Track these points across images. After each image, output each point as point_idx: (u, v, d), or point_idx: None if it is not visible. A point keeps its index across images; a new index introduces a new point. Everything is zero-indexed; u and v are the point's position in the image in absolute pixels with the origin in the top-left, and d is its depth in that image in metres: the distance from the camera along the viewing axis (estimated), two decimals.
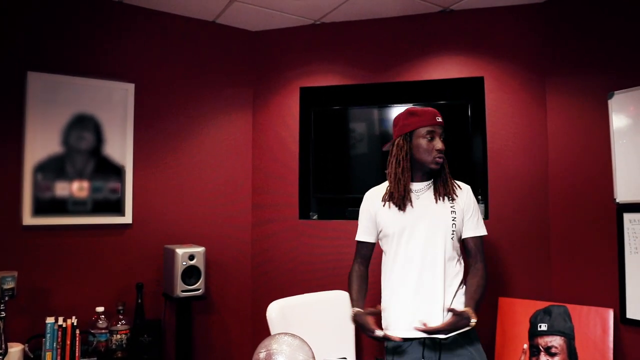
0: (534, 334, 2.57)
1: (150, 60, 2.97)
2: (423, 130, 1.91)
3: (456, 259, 1.93)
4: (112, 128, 2.82)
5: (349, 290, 2.05)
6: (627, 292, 2.37)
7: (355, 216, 3.01)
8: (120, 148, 2.84)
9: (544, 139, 2.80)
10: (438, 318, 1.83)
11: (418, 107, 1.99)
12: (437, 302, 1.85)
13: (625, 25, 2.45)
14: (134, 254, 2.84)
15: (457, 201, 1.94)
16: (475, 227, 1.95)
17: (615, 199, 2.43)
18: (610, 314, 2.39)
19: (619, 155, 2.43)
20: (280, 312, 2.38)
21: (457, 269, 1.93)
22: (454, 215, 1.91)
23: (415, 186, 1.97)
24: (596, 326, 2.42)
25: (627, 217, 2.39)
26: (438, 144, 1.90)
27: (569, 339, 2.47)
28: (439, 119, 1.93)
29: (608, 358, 2.33)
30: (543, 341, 2.53)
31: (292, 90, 3.21)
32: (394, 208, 1.95)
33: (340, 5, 2.90)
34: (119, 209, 2.82)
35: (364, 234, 2.09)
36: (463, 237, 1.95)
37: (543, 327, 2.55)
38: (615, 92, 2.45)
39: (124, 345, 2.56)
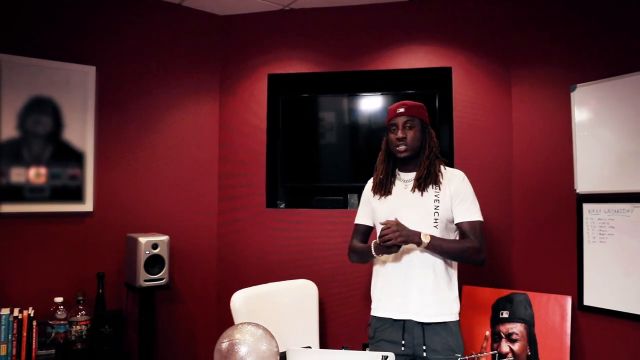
0: (496, 321, 2.63)
1: (113, 42, 2.87)
2: (390, 125, 2.03)
3: None
4: (72, 112, 2.71)
5: (356, 251, 2.10)
6: (584, 280, 2.45)
7: (322, 205, 3.03)
8: (80, 133, 2.74)
9: (509, 129, 2.84)
10: (418, 302, 1.89)
11: (393, 104, 2.06)
12: (417, 286, 1.91)
13: (588, 19, 2.50)
14: (95, 243, 2.76)
15: (444, 189, 1.96)
16: (465, 212, 1.95)
17: (575, 190, 2.50)
18: (569, 301, 2.46)
19: (580, 147, 2.49)
20: (244, 301, 2.35)
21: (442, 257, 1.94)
22: (437, 203, 1.93)
23: (404, 176, 2.04)
24: (555, 313, 2.49)
25: (586, 207, 2.46)
26: (398, 133, 1.97)
27: (529, 325, 2.53)
28: (401, 110, 1.99)
29: (566, 344, 2.41)
30: (505, 328, 2.59)
31: (260, 76, 3.15)
32: (381, 198, 2.04)
33: None
34: (79, 196, 2.72)
35: (362, 218, 2.16)
36: (455, 222, 1.96)
37: (505, 314, 2.61)
38: (578, 85, 2.50)
39: (84, 337, 2.49)
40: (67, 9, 2.71)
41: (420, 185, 1.95)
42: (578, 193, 2.49)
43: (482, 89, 2.89)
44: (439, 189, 1.95)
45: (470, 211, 1.95)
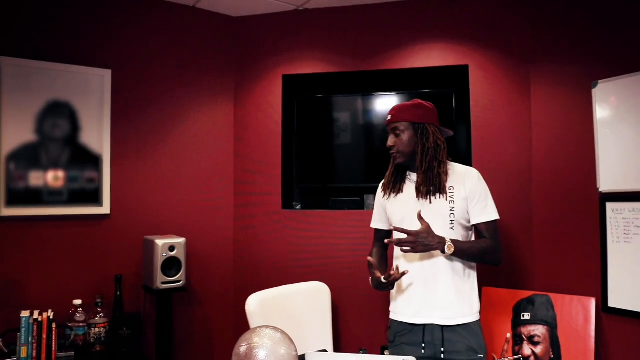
0: (517, 323, 2.57)
1: (128, 45, 2.88)
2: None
3: None
4: (89, 115, 2.73)
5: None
6: (609, 281, 2.38)
7: (338, 206, 3.01)
8: (97, 136, 2.75)
9: (528, 127, 2.78)
10: (439, 306, 1.87)
11: None
12: (439, 290, 1.88)
13: (610, 14, 2.43)
14: (112, 245, 2.77)
15: (458, 188, 1.91)
16: (482, 212, 1.91)
17: (598, 189, 2.44)
18: (593, 302, 2.40)
19: (602, 145, 2.43)
20: (259, 305, 2.33)
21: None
22: (452, 205, 1.90)
23: (414, 177, 2.00)
24: (578, 315, 2.43)
25: (609, 206, 2.40)
26: (389, 141, 1.98)
27: (552, 327, 2.48)
28: (388, 117, 1.99)
29: (590, 346, 2.35)
30: (526, 330, 2.53)
31: (275, 77, 3.14)
32: (391, 197, 2.02)
33: None
34: (96, 199, 2.74)
35: (376, 222, 2.15)
36: (472, 223, 1.93)
37: (526, 316, 2.55)
38: (600, 81, 2.44)
39: (103, 339, 2.50)
40: (82, 13, 2.73)
41: (420, 192, 1.91)
42: (601, 192, 2.43)
43: (500, 87, 2.83)
44: (453, 190, 1.91)
45: (487, 211, 1.92)
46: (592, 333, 2.36)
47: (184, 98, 3.07)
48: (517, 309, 2.59)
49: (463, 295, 1.89)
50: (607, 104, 2.42)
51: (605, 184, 2.42)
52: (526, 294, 2.61)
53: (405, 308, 1.94)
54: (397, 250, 1.98)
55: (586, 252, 2.50)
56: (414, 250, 1.76)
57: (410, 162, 1.97)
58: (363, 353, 2.83)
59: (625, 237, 2.33)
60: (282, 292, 2.58)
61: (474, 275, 1.95)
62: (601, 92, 2.44)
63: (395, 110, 1.97)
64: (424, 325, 1.89)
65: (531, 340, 2.50)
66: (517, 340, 2.54)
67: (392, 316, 2.00)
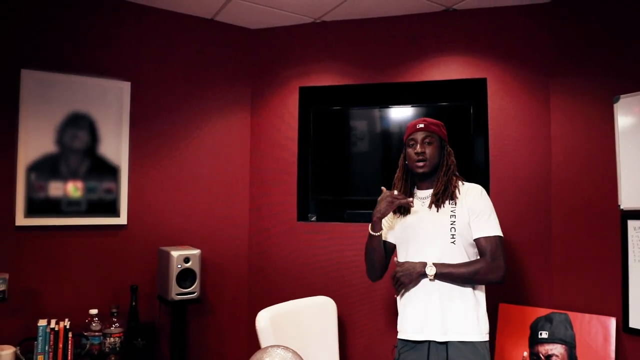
0: (534, 341, 2.52)
1: (147, 58, 2.92)
2: (408, 141, 2.03)
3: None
4: (107, 127, 2.77)
5: (366, 255, 2.09)
6: (630, 301, 2.32)
7: (354, 219, 2.99)
8: (115, 147, 2.79)
9: (547, 142, 2.74)
10: (439, 322, 1.86)
11: (412, 121, 2.07)
12: (438, 306, 1.87)
13: (632, 28, 2.39)
14: (128, 256, 2.80)
15: (460, 204, 1.92)
16: (482, 227, 1.90)
17: (619, 206, 2.38)
18: (613, 322, 2.35)
19: (624, 161, 2.38)
20: (269, 321, 2.30)
21: None
22: (453, 219, 1.90)
23: (421, 194, 2.03)
24: (598, 335, 2.37)
25: (631, 224, 2.34)
26: (417, 148, 1.96)
27: (570, 347, 2.42)
28: (420, 125, 1.99)
29: None
30: (544, 349, 2.48)
31: (292, 89, 3.15)
32: (400, 215, 2.03)
33: (341, 4, 2.84)
34: (113, 210, 2.77)
35: (385, 234, 2.11)
36: (473, 238, 1.91)
37: (544, 334, 2.50)
38: (622, 95, 2.39)
39: (118, 349, 2.52)
40: (102, 26, 2.78)
41: (438, 201, 1.92)
42: (622, 209, 2.37)
43: (519, 101, 2.80)
44: (455, 204, 1.92)
45: (487, 226, 1.89)
46: (612, 354, 2.30)
47: (201, 109, 3.09)
48: (535, 327, 2.54)
49: (465, 312, 1.86)
50: (629, 119, 2.37)
51: (626, 200, 2.36)
52: (544, 311, 2.56)
53: (409, 325, 1.93)
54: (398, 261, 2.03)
55: (606, 270, 2.44)
56: (402, 283, 1.90)
57: (428, 176, 1.99)
58: None
59: None
60: (292, 307, 2.56)
61: (481, 294, 1.93)
62: (623, 107, 2.39)
63: (426, 122, 2.00)
64: (429, 342, 1.87)
65: (549, 359, 2.45)
66: (534, 358, 2.49)
67: (398, 335, 1.99)
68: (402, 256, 2.02)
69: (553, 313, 2.52)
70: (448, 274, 1.85)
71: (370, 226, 1.98)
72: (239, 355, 3.10)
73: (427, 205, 1.96)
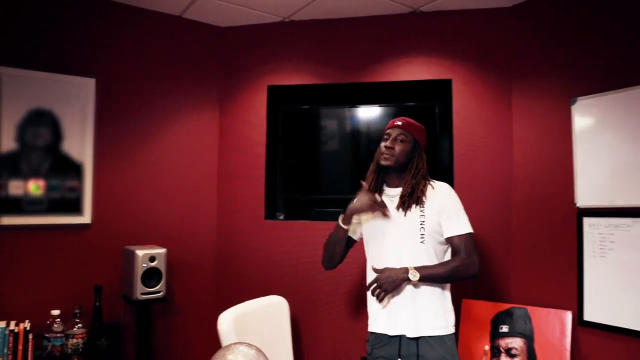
0: (495, 335, 2.60)
1: (113, 54, 2.87)
2: (384, 134, 2.05)
3: (433, 262, 1.94)
4: (71, 124, 2.72)
5: (329, 243, 2.13)
6: (585, 295, 2.42)
7: (321, 217, 3.02)
8: (79, 145, 2.74)
9: (509, 141, 2.82)
10: (411, 318, 1.90)
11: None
12: (407, 303, 1.91)
13: (589, 33, 2.48)
14: (92, 255, 2.75)
15: (430, 204, 1.96)
16: (454, 226, 1.94)
17: (576, 204, 2.48)
18: (569, 316, 2.44)
19: (580, 161, 2.47)
20: (232, 322, 2.28)
21: None
22: (422, 219, 1.93)
23: (389, 191, 2.05)
24: (555, 328, 2.46)
25: (586, 221, 2.44)
26: (388, 142, 1.99)
27: (529, 340, 2.50)
28: (398, 123, 2.02)
29: (565, 359, 2.38)
30: (504, 343, 2.56)
31: (260, 88, 3.15)
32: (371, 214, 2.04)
33: (310, 3, 2.86)
34: (77, 209, 2.72)
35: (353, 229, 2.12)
36: (445, 237, 1.96)
37: (504, 328, 2.58)
38: (578, 98, 2.49)
39: (81, 350, 2.48)
40: (67, 21, 2.72)
41: (404, 204, 1.96)
42: (578, 207, 2.47)
43: (483, 102, 2.87)
44: (424, 205, 1.95)
45: (458, 224, 1.95)
46: (568, 346, 2.40)
47: (169, 107, 3.07)
48: (496, 322, 2.62)
49: (435, 308, 1.92)
50: (586, 120, 2.46)
51: (582, 199, 2.46)
52: (504, 306, 2.64)
53: (381, 320, 1.97)
54: (368, 269, 2.06)
55: (563, 266, 2.53)
56: (385, 291, 1.89)
57: (393, 173, 2.01)
58: None
59: (601, 251, 2.37)
60: (251, 308, 2.55)
61: (447, 288, 1.98)
62: (580, 109, 2.49)
63: (406, 121, 2.03)
64: (400, 337, 1.91)
65: (509, 352, 2.53)
66: (495, 352, 2.56)
67: (369, 328, 2.03)
68: (371, 255, 2.05)
69: (513, 308, 2.60)
70: (430, 276, 1.89)
71: (341, 218, 2.00)
72: (205, 354, 3.06)
73: (395, 205, 1.99)
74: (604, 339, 2.34)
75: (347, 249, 2.14)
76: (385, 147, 1.98)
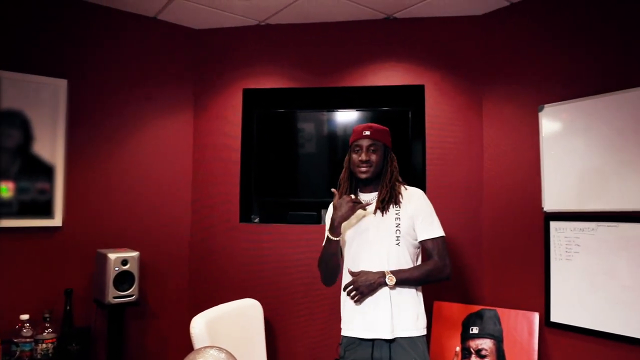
0: (466, 336, 2.65)
1: (85, 55, 2.84)
2: (353, 145, 2.07)
3: (409, 265, 1.97)
4: (43, 125, 2.68)
5: (322, 255, 2.07)
6: (551, 297, 2.49)
7: (296, 220, 3.03)
8: (50, 147, 2.70)
9: (480, 147, 2.89)
10: (384, 320, 1.92)
11: (360, 125, 2.10)
12: (384, 306, 1.93)
13: (557, 42, 2.56)
14: (63, 259, 2.71)
15: (404, 207, 2.00)
16: (427, 229, 1.99)
17: (543, 208, 2.55)
18: (536, 317, 2.51)
19: (547, 166, 2.55)
20: (204, 326, 2.28)
21: None
22: (398, 222, 1.97)
23: (364, 197, 2.08)
24: (523, 329, 2.52)
25: (553, 225, 2.51)
26: (361, 155, 2.01)
27: (498, 341, 2.56)
28: (366, 132, 2.03)
29: (533, 359, 2.44)
30: (474, 344, 2.61)
31: (235, 91, 3.16)
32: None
33: (286, 7, 2.88)
34: (48, 211, 2.68)
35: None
36: (419, 240, 2.01)
37: (474, 330, 2.64)
38: (545, 105, 2.56)
39: (51, 355, 2.44)
40: (38, 21, 2.68)
41: (383, 207, 1.99)
42: (545, 211, 2.54)
43: (455, 107, 2.93)
44: (400, 207, 2.00)
45: (432, 228, 2.00)
46: (535, 347, 2.46)
47: (143, 109, 3.04)
48: (467, 323, 2.67)
49: (407, 310, 1.94)
50: (553, 127, 2.54)
51: (549, 203, 2.53)
52: (475, 308, 2.69)
53: (353, 323, 1.99)
54: (344, 271, 2.07)
55: (531, 269, 2.60)
56: (362, 293, 1.93)
57: (371, 181, 2.04)
58: None
59: (567, 254, 2.45)
60: (224, 311, 2.55)
61: (420, 292, 2.02)
62: (547, 116, 2.56)
63: (373, 129, 2.04)
64: (373, 340, 1.93)
65: (479, 353, 2.58)
66: (466, 353, 2.62)
67: (342, 332, 2.04)
68: (348, 258, 2.06)
69: (483, 310, 2.66)
70: (405, 280, 1.93)
71: (329, 231, 1.98)
72: (179, 358, 3.05)
73: (372, 210, 2.02)
74: (569, 339, 2.41)
75: (341, 259, 2.14)
76: (361, 160, 2.01)
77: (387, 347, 1.92)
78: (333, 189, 2.04)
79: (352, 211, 1.95)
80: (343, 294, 2.05)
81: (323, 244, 2.05)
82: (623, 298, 2.22)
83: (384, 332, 1.92)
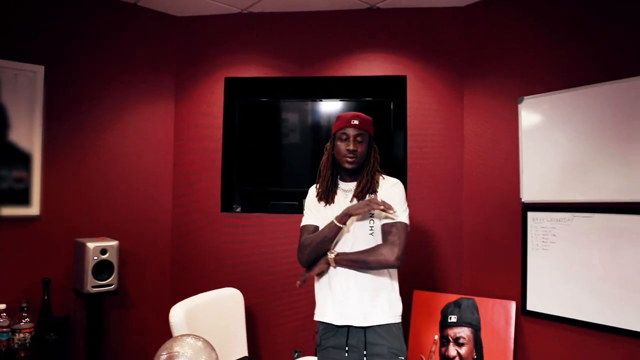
0: (444, 325, 2.69)
1: (64, 41, 2.79)
2: (339, 133, 2.03)
3: None
4: (19, 113, 2.63)
5: (316, 241, 2.01)
6: (528, 286, 2.54)
7: (277, 210, 3.03)
8: (27, 134, 2.65)
9: (461, 138, 2.91)
10: (358, 307, 1.92)
11: (346, 113, 2.08)
12: (355, 293, 1.94)
13: (538, 34, 2.59)
14: (41, 248, 2.67)
15: (378, 196, 2.00)
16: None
17: (521, 199, 2.58)
18: (513, 306, 2.55)
19: (525, 157, 2.58)
20: (183, 315, 2.28)
21: None
22: (372, 212, 1.96)
23: (344, 186, 2.07)
24: (500, 317, 2.57)
25: (530, 215, 2.55)
26: (349, 145, 1.99)
27: (476, 329, 2.61)
28: (355, 122, 2.01)
29: (509, 347, 2.49)
30: (452, 332, 2.65)
31: (217, 79, 3.13)
32: (326, 205, 2.06)
33: None
34: (25, 200, 2.64)
35: (312, 219, 2.09)
36: (382, 224, 1.98)
37: (453, 318, 2.68)
38: (525, 97, 2.59)
39: (28, 345, 2.42)
40: (14, 6, 2.62)
41: (359, 197, 2.00)
42: (523, 202, 2.58)
43: (436, 98, 2.95)
44: (375, 196, 2.00)
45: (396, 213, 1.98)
46: (512, 335, 2.51)
47: (122, 97, 3.00)
48: (445, 312, 2.71)
49: (381, 297, 1.96)
50: (531, 119, 2.57)
51: (527, 194, 2.57)
52: (454, 297, 2.73)
53: (328, 310, 2.00)
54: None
55: (509, 258, 2.64)
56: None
57: (355, 170, 2.04)
58: (298, 356, 2.88)
59: (544, 244, 2.49)
60: (203, 300, 2.55)
61: (394, 277, 2.03)
62: (526, 108, 2.59)
63: (360, 118, 2.02)
64: (348, 327, 1.95)
65: (457, 341, 2.63)
66: (444, 341, 2.66)
67: (316, 317, 2.04)
68: None
69: (461, 298, 2.70)
70: (345, 260, 1.93)
71: (339, 219, 1.94)
72: (159, 347, 3.06)
73: (349, 199, 2.02)
74: (545, 327, 2.47)
75: None
76: (348, 150, 1.99)
77: (362, 333, 1.93)
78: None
79: (368, 209, 1.93)
80: (317, 279, 2.06)
81: (321, 229, 2.01)
82: (597, 287, 2.27)
83: (356, 319, 1.93)
